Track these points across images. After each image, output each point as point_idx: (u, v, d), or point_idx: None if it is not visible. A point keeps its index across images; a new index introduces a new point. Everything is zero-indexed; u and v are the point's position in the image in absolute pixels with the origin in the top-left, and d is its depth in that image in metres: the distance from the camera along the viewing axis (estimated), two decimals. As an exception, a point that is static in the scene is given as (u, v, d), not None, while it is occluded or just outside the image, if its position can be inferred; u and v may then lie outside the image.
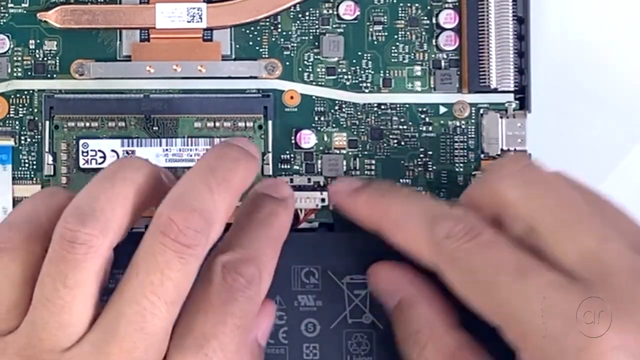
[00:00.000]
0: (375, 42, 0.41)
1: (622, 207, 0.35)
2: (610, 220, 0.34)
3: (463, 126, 0.41)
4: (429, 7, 0.41)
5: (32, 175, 0.41)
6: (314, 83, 0.41)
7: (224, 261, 0.34)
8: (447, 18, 0.41)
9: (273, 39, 0.41)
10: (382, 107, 0.41)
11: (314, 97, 0.41)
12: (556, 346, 0.32)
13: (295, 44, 0.41)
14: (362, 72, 0.41)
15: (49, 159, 0.40)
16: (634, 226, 0.35)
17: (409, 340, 0.36)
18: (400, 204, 0.36)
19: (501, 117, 0.41)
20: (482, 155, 0.42)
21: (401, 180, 0.42)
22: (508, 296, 0.33)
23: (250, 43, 0.41)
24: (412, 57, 0.41)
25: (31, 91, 0.41)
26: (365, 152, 0.41)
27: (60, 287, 0.32)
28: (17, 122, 0.41)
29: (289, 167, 0.41)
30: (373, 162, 0.41)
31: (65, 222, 0.32)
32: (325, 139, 0.41)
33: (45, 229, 0.34)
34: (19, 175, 0.40)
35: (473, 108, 0.41)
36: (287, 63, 0.41)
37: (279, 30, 0.41)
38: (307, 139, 0.41)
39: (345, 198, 0.38)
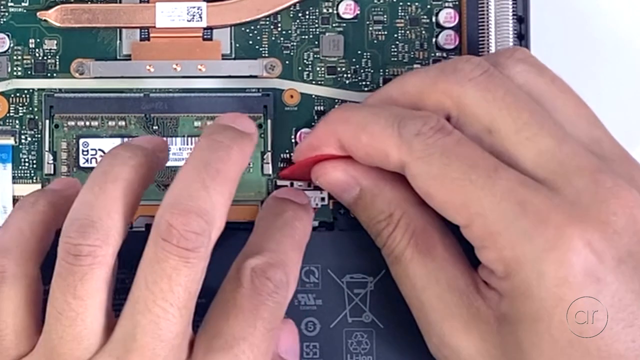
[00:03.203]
0: (375, 41, 0.41)
1: (582, 107, 0.36)
2: (568, 124, 0.35)
3: (463, 125, 0.41)
4: (429, 6, 0.41)
5: (33, 174, 0.41)
6: (313, 82, 0.41)
7: (252, 265, 0.34)
8: (447, 17, 0.41)
9: (273, 38, 0.41)
10: (382, 106, 0.41)
11: (313, 96, 0.41)
12: (524, 243, 0.33)
13: (295, 43, 0.41)
14: (362, 71, 0.41)
15: (49, 158, 0.40)
16: (591, 128, 0.36)
17: (378, 224, 0.37)
18: (361, 111, 0.37)
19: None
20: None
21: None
22: (479, 194, 0.33)
23: (250, 42, 0.41)
24: (412, 56, 0.41)
25: (31, 90, 0.41)
26: (365, 151, 0.41)
27: (71, 299, 0.33)
28: (17, 121, 0.41)
29: (291, 161, 0.40)
30: (373, 161, 0.41)
31: (68, 236, 0.33)
32: (325, 138, 0.41)
33: (34, 246, 0.35)
34: (19, 175, 0.40)
35: (473, 107, 0.41)
36: (287, 62, 0.41)
37: (279, 29, 0.41)
38: (307, 138, 0.41)
39: (305, 140, 0.38)
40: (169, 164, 0.40)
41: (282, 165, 0.41)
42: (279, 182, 0.40)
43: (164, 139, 0.38)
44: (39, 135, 0.41)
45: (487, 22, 0.40)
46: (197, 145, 0.35)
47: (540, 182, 0.33)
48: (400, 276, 0.37)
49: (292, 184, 0.40)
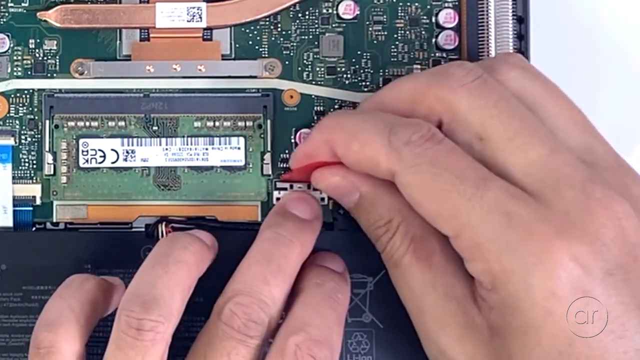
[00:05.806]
0: (375, 42, 0.41)
1: (577, 115, 0.36)
2: (561, 132, 0.35)
3: (463, 125, 0.41)
4: (428, 7, 0.41)
5: (32, 175, 0.41)
6: (313, 82, 0.41)
7: (297, 342, 0.35)
8: (447, 17, 0.41)
9: (273, 39, 0.41)
10: (382, 106, 0.41)
11: (313, 97, 0.41)
12: (511, 256, 0.32)
13: (295, 44, 0.41)
14: (362, 71, 0.41)
15: (49, 158, 0.40)
16: (585, 136, 0.35)
17: (378, 230, 0.37)
18: (353, 118, 0.37)
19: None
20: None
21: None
22: (466, 206, 0.33)
23: (250, 42, 0.41)
24: (412, 56, 0.41)
25: (31, 90, 0.41)
26: (365, 152, 0.41)
27: None
28: (17, 122, 0.41)
29: (288, 166, 0.40)
30: (373, 161, 0.41)
31: (130, 310, 0.34)
32: (325, 138, 0.41)
33: (82, 324, 0.35)
34: (19, 175, 0.40)
35: (473, 107, 0.41)
36: (287, 62, 0.41)
37: (279, 29, 0.41)
38: (307, 138, 0.41)
39: (300, 145, 0.39)
40: (169, 164, 0.40)
41: (281, 165, 0.41)
42: (279, 184, 0.40)
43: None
44: (39, 136, 0.41)
45: (487, 22, 0.40)
46: (261, 236, 0.37)
47: (530, 192, 0.33)
48: (399, 281, 0.37)
49: (291, 186, 0.40)
